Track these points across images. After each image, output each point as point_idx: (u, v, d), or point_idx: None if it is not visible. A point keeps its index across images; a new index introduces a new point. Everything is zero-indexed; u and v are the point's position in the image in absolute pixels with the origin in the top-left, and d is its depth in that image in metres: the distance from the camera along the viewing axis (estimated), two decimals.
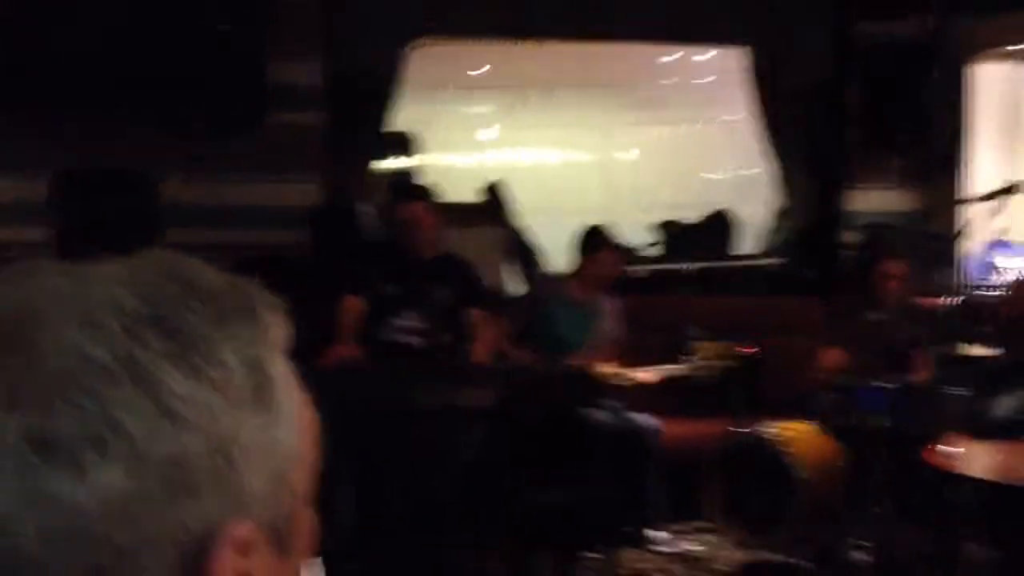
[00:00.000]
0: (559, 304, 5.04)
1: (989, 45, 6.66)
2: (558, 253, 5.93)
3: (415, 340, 4.60)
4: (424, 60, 6.38)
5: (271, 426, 0.61)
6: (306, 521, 0.65)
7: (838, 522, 4.15)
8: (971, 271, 5.91)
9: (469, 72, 8.09)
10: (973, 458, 3.65)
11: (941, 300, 5.32)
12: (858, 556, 3.92)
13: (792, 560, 4.20)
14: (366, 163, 6.41)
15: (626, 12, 6.27)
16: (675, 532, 4.69)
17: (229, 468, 0.58)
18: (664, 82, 8.25)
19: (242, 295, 0.63)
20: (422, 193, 4.97)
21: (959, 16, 6.60)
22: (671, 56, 8.03)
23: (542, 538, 4.48)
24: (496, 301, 5.31)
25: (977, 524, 3.80)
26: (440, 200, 4.89)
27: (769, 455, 4.28)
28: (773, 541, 4.24)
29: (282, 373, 0.63)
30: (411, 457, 4.26)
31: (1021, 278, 4.67)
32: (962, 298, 5.27)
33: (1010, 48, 6.62)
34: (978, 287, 5.57)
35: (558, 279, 5.24)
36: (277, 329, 0.64)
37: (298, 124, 5.80)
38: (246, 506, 0.59)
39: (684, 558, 4.49)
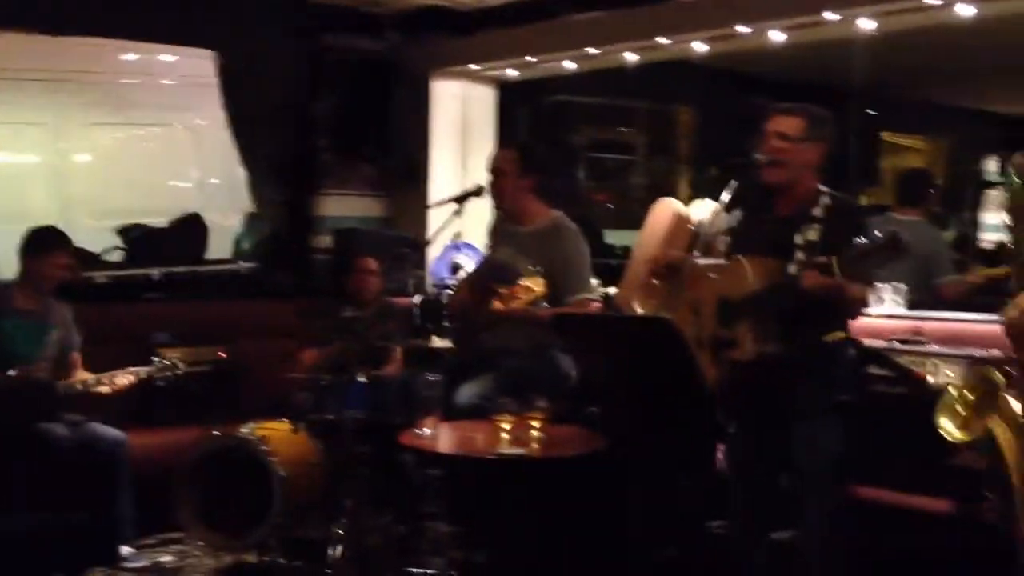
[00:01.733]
0: (4, 315, 4.61)
1: (446, 64, 7.27)
2: (3, 261, 5.43)
3: None
4: None
5: None
6: None
7: (318, 517, 4.24)
8: (436, 271, 6.41)
9: None
10: (441, 438, 3.93)
11: (411, 298, 5.68)
12: (335, 548, 4.02)
13: (269, 559, 4.22)
14: None
15: (81, 2, 5.93)
16: (148, 546, 4.54)
17: None
18: (126, 81, 7.90)
19: None
20: None
21: (420, 35, 7.13)
22: (134, 54, 7.72)
23: (6, 569, 4.08)
24: None
25: (441, 502, 4.11)
26: None
27: (247, 456, 4.26)
28: (252, 542, 4.22)
29: None
30: None
31: (465, 278, 5.07)
32: (423, 296, 5.66)
33: (461, 68, 7.27)
34: (441, 285, 6.02)
35: (2, 287, 4.79)
36: None
37: None
38: None
39: (158, 570, 4.36)
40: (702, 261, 3.59)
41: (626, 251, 6.65)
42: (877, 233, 3.10)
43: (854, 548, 3.45)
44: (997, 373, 2.32)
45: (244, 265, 6.81)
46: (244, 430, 4.34)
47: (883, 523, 3.86)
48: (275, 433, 4.36)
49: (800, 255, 3.33)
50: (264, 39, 6.76)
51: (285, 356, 5.13)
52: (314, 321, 5.03)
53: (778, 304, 3.27)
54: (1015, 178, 2.29)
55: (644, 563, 3.91)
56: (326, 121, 7.10)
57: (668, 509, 4.05)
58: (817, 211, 3.41)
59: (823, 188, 3.49)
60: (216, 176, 7.83)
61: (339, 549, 4.00)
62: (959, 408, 2.34)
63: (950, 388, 2.33)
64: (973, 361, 3.54)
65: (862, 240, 3.08)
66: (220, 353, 4.92)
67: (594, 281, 5.33)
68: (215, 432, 4.38)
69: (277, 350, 5.37)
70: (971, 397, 2.33)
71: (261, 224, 6.98)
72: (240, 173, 6.97)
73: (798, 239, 3.38)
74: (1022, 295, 2.26)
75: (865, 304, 3.55)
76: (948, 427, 2.33)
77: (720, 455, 4.00)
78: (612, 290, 5.36)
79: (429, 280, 6.47)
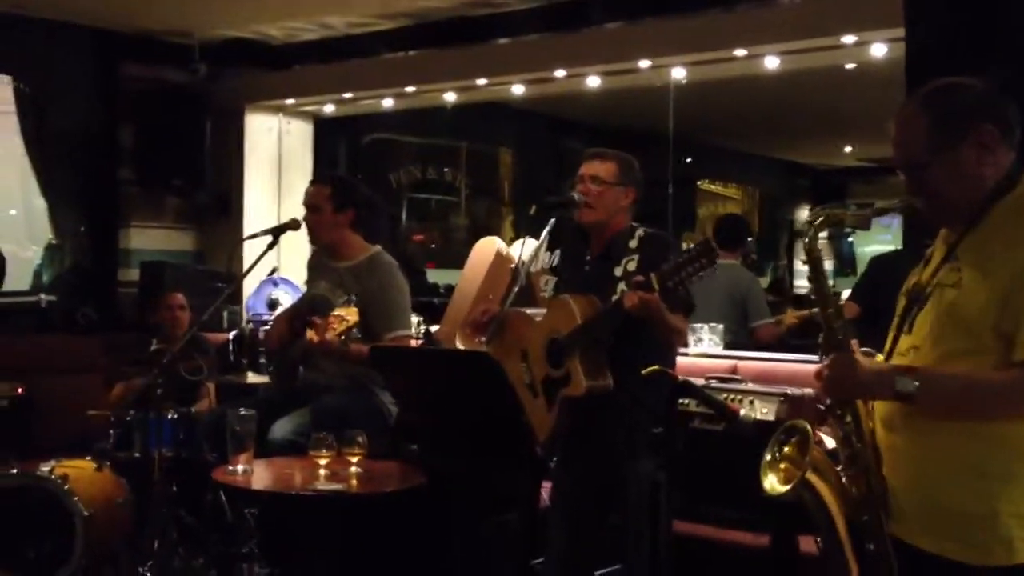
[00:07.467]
0: None
1: (260, 97, 7.37)
2: None
3: None
4: None
5: None
6: None
7: (125, 559, 4.21)
8: (252, 306, 6.45)
9: None
10: (256, 474, 3.96)
11: (226, 333, 5.72)
12: None
13: None
14: None
15: None
16: None
17: None
18: None
19: None
20: None
21: (231, 67, 7.22)
22: None
23: None
24: None
25: (257, 542, 4.14)
26: None
27: (46, 496, 4.19)
28: None
29: None
30: None
31: (281, 312, 5.12)
32: (237, 331, 5.70)
33: (275, 102, 7.39)
34: (258, 321, 6.07)
35: None
36: None
37: None
38: None
39: None
40: (528, 310, 3.75)
41: (449, 290, 6.84)
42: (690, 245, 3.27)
43: None
44: (804, 422, 2.37)
45: (44, 298, 6.67)
46: (44, 468, 4.28)
47: (703, 557, 4.03)
48: (77, 471, 4.30)
49: (622, 286, 3.51)
50: (64, 65, 6.73)
51: (88, 392, 5.08)
52: (121, 356, 5.00)
53: (604, 332, 3.42)
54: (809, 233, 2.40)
55: None
56: (131, 152, 7.09)
57: (490, 546, 4.18)
58: (633, 243, 3.65)
59: (635, 224, 3.72)
60: (13, 206, 7.65)
61: None
62: (778, 462, 2.38)
63: (768, 449, 2.41)
64: (786, 398, 3.82)
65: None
66: (18, 388, 4.82)
67: (415, 318, 5.49)
68: (9, 471, 4.29)
69: (79, 386, 5.30)
70: (785, 450, 2.39)
71: (62, 256, 6.88)
72: (40, 203, 6.87)
73: (617, 271, 3.59)
74: (834, 356, 2.29)
75: (684, 334, 3.73)
76: (772, 483, 2.36)
77: (545, 492, 4.13)
78: (435, 328, 5.54)
79: (245, 315, 6.54)
